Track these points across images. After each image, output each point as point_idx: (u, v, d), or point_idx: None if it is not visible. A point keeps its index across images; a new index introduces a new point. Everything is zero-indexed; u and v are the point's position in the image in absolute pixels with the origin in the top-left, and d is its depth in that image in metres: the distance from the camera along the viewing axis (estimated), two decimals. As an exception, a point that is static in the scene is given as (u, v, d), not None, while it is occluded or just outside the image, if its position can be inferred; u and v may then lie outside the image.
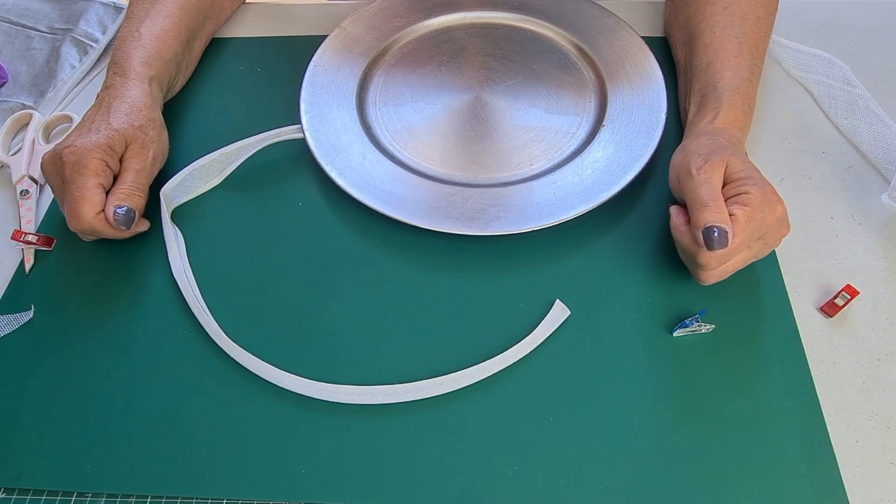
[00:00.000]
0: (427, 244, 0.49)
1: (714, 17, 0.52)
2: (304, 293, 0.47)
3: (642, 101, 0.53)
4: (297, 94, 0.56)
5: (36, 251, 0.50)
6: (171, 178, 0.51)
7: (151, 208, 0.50)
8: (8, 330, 0.46)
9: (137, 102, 0.51)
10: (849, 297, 0.43)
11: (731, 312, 0.44)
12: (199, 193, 0.53)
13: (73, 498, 0.40)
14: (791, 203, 0.48)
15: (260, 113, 0.58)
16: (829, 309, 0.44)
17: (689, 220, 0.41)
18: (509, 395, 0.42)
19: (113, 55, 0.54)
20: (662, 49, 0.59)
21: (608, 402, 0.41)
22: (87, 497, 0.40)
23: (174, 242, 0.49)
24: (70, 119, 0.58)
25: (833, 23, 0.62)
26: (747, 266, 0.43)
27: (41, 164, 0.48)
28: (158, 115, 0.53)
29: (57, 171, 0.47)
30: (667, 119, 0.51)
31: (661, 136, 0.50)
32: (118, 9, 0.67)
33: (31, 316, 0.47)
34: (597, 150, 0.51)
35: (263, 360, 0.43)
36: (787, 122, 0.55)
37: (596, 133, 0.52)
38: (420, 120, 0.55)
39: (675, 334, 0.43)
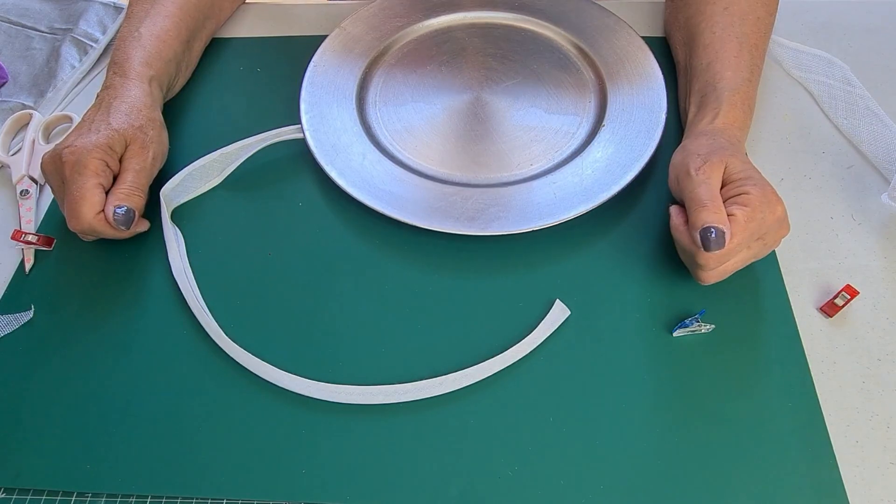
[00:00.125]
0: (427, 244, 0.49)
1: (714, 18, 0.52)
2: (304, 293, 0.47)
3: (642, 101, 0.53)
4: (297, 94, 0.56)
5: (36, 251, 0.50)
6: (171, 178, 0.51)
7: (151, 208, 0.50)
8: (8, 330, 0.46)
9: (137, 102, 0.51)
10: (849, 297, 0.43)
11: (731, 312, 0.44)
12: (199, 193, 0.53)
13: (73, 498, 0.40)
14: (791, 203, 0.48)
15: (260, 113, 0.58)
16: (829, 309, 0.44)
17: (688, 220, 0.41)
18: (509, 395, 0.42)
19: (113, 55, 0.54)
20: (662, 49, 0.59)
21: (608, 402, 0.41)
22: (87, 497, 0.40)
23: (174, 242, 0.49)
24: (70, 119, 0.58)
25: (833, 23, 0.62)
26: (747, 266, 0.43)
27: (41, 164, 0.48)
28: (158, 115, 0.53)
29: (57, 171, 0.47)
30: (667, 119, 0.51)
31: (661, 136, 0.50)
32: (118, 9, 0.67)
33: (31, 316, 0.47)
34: (597, 150, 0.51)
35: (263, 360, 0.43)
36: (787, 122, 0.55)
37: (596, 133, 0.52)
38: (420, 120, 0.55)
39: (675, 334, 0.43)
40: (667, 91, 0.53)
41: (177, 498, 0.39)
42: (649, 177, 0.51)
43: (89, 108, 0.51)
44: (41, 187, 0.55)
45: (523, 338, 0.43)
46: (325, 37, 0.60)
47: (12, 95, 0.60)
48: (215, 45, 0.64)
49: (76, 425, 0.42)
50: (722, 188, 0.42)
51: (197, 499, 0.39)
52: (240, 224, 0.51)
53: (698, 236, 0.39)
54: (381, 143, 0.54)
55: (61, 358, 0.45)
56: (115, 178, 0.48)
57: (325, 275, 0.48)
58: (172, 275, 0.47)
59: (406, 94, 0.57)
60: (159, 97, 0.55)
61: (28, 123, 0.57)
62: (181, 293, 0.47)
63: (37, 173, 0.54)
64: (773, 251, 0.46)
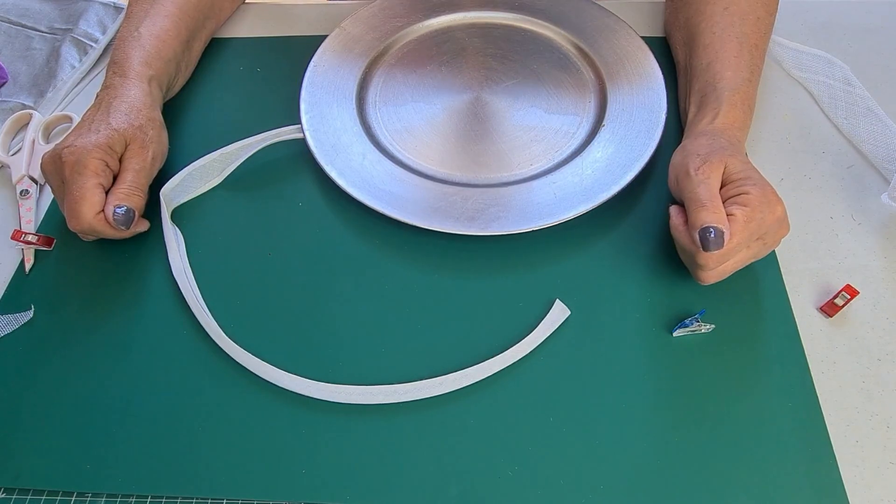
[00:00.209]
0: (427, 244, 0.49)
1: (714, 18, 0.52)
2: (304, 293, 0.47)
3: (642, 101, 0.53)
4: (297, 94, 0.56)
5: (36, 251, 0.50)
6: (171, 178, 0.51)
7: (151, 208, 0.50)
8: (8, 330, 0.46)
9: (137, 102, 0.51)
10: (849, 296, 0.43)
11: (731, 312, 0.44)
12: (199, 193, 0.53)
13: (73, 498, 0.40)
14: (791, 203, 0.48)
15: (260, 113, 0.58)
16: (829, 309, 0.44)
17: (687, 220, 0.41)
18: (509, 395, 0.42)
19: (112, 55, 0.54)
20: (662, 49, 0.59)
21: (608, 402, 0.41)
22: (87, 497, 0.40)
23: (174, 242, 0.49)
24: (70, 119, 0.58)
25: (833, 23, 0.62)
26: (747, 266, 0.43)
27: (41, 164, 0.48)
28: (158, 115, 0.53)
29: (57, 171, 0.47)
30: (667, 119, 0.51)
31: (661, 136, 0.50)
32: (118, 9, 0.67)
33: (31, 316, 0.47)
34: (597, 150, 0.51)
35: (263, 360, 0.43)
36: (787, 122, 0.55)
37: (596, 133, 0.52)
38: (420, 120, 0.55)
39: (674, 334, 0.43)
40: (667, 91, 0.53)
41: (177, 498, 0.39)
42: (649, 177, 0.51)
43: (89, 108, 0.51)
44: (41, 187, 0.55)
45: (523, 338, 0.43)
46: (325, 37, 0.60)
47: (12, 95, 0.60)
48: (215, 45, 0.64)
49: (76, 425, 0.42)
50: (721, 188, 0.42)
51: (197, 499, 0.39)
52: (240, 224, 0.51)
53: (698, 236, 0.39)
54: (381, 143, 0.54)
55: (61, 358, 0.45)
56: (115, 178, 0.48)
57: (325, 275, 0.48)
58: (172, 275, 0.47)
59: (406, 94, 0.57)
60: (159, 97, 0.55)
61: (28, 123, 0.57)
62: (181, 293, 0.47)
63: (37, 173, 0.54)
64: (773, 251, 0.46)
